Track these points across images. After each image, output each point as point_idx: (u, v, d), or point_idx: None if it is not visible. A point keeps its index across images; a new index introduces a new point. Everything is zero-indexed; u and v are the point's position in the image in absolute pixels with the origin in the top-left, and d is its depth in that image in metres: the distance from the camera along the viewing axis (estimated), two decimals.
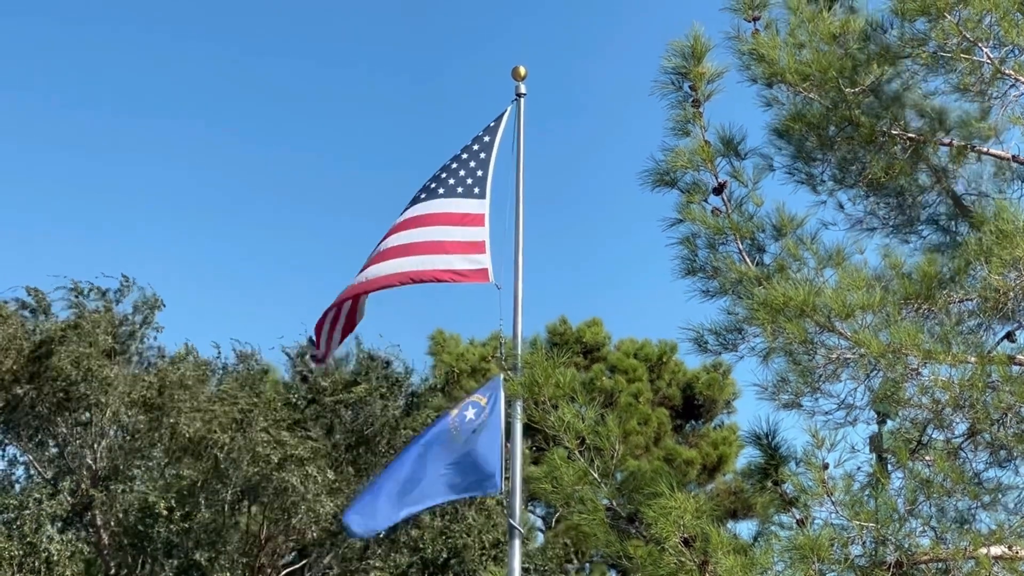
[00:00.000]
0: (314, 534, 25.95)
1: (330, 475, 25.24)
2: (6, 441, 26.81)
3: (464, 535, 26.85)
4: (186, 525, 25.19)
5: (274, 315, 64.23)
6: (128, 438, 25.98)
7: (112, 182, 65.62)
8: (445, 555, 27.03)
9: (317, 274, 63.98)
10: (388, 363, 28.96)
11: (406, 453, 12.46)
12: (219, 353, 28.61)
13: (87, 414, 25.56)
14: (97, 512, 25.44)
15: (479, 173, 12.91)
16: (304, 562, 27.14)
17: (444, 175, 13.07)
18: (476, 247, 12.50)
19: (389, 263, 12.66)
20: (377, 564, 26.79)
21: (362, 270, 12.81)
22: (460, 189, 12.85)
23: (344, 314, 13.03)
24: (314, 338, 13.37)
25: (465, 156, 13.12)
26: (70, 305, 26.39)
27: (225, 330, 73.74)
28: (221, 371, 28.01)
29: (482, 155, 13.05)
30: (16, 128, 63.89)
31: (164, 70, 68.00)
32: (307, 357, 25.01)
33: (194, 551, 25.21)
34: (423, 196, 12.99)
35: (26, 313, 26.30)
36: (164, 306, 27.61)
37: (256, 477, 24.47)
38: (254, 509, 25.95)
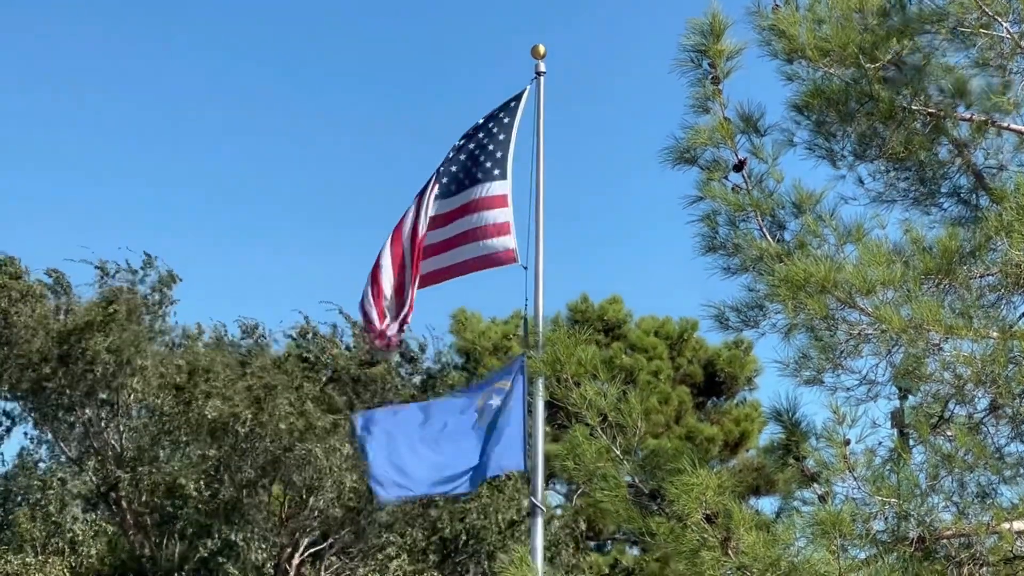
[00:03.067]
0: (337, 511, 26.01)
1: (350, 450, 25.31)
2: (35, 422, 26.88)
3: (481, 515, 26.90)
4: (213, 506, 25.28)
5: (276, 296, 64.52)
6: (155, 419, 26.04)
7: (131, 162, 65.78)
8: (464, 536, 27.08)
9: (320, 258, 64.14)
10: (401, 341, 28.99)
11: (424, 423, 12.42)
12: (226, 331, 28.67)
13: (115, 396, 25.61)
14: (124, 492, 25.53)
15: (499, 155, 12.95)
16: (329, 541, 27.22)
17: (469, 163, 13.11)
18: (501, 229, 12.58)
19: (427, 261, 12.78)
20: (395, 541, 26.86)
21: (398, 265, 12.85)
22: (480, 174, 12.92)
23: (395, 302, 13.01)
24: (369, 322, 13.24)
25: (484, 139, 13.15)
26: (97, 283, 26.25)
27: (227, 309, 74.08)
28: (230, 348, 28.02)
29: (501, 136, 13.08)
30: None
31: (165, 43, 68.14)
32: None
33: (221, 531, 25.29)
34: (453, 188, 13.03)
35: (48, 294, 26.20)
36: (180, 279, 27.47)
37: (278, 451, 24.53)
38: (276, 488, 26.05)
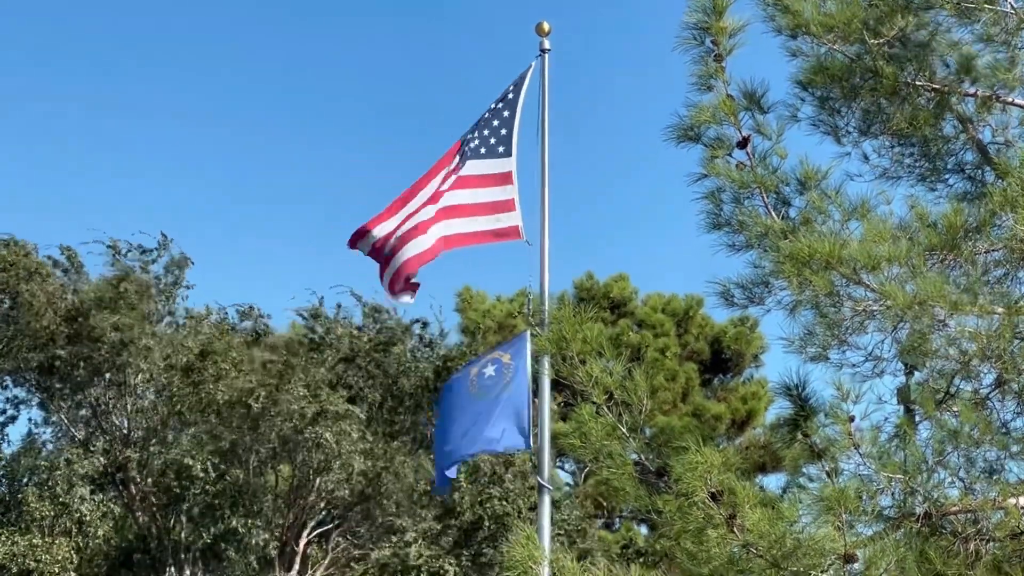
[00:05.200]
0: (345, 493, 26.05)
1: (368, 437, 25.34)
2: (42, 403, 26.94)
3: (503, 500, 26.77)
4: (220, 487, 25.32)
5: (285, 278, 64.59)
6: (163, 400, 26.08)
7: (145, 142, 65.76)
8: (487, 522, 26.92)
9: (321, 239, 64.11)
10: (426, 323, 29.02)
11: (444, 407, 12.62)
12: (227, 315, 28.69)
13: (122, 376, 25.67)
14: (132, 473, 25.59)
15: (503, 132, 12.97)
16: (334, 523, 27.27)
17: (471, 139, 13.13)
18: (506, 205, 12.59)
19: (428, 235, 12.75)
20: (406, 525, 26.87)
21: (402, 238, 12.82)
22: (484, 150, 12.92)
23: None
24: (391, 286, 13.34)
25: (488, 116, 13.16)
26: (109, 263, 26.32)
27: (235, 293, 74.04)
28: (232, 331, 28.01)
29: (506, 113, 13.09)
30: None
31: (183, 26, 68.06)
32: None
33: (229, 514, 25.33)
34: (456, 162, 13.04)
35: (59, 272, 26.27)
36: (193, 263, 27.57)
37: (289, 432, 24.59)
38: (285, 470, 26.09)
